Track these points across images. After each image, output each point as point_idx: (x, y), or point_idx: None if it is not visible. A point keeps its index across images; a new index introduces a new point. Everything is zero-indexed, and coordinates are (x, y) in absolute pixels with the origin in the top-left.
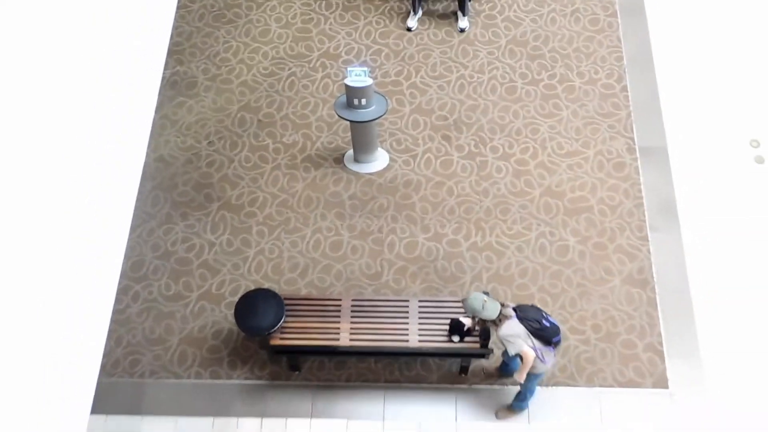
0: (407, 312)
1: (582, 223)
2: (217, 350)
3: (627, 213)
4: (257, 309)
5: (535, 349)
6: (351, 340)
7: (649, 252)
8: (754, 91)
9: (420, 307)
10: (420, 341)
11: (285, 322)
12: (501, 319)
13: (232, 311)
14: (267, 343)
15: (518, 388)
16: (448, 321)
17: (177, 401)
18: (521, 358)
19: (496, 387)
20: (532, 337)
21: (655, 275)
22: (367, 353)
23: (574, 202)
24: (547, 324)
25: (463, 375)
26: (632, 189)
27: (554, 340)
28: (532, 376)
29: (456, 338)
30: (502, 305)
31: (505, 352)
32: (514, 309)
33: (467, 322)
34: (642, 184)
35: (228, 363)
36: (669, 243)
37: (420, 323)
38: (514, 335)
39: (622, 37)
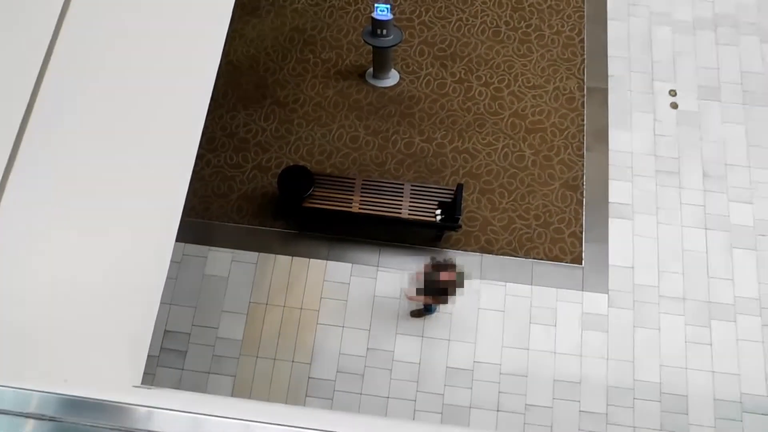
0: (402, 192)
1: (537, 139)
2: (263, 207)
3: (571, 135)
4: (294, 179)
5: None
6: (360, 208)
7: (583, 166)
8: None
9: (412, 189)
10: (409, 214)
11: (313, 191)
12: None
13: (276, 180)
14: (300, 205)
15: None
16: (433, 202)
17: (234, 239)
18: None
19: (460, 251)
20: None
21: (585, 183)
22: (371, 219)
23: (533, 123)
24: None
25: (437, 241)
26: (577, 118)
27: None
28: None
29: (439, 212)
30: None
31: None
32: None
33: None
34: (585, 115)
35: (271, 216)
36: (598, 160)
37: (411, 201)
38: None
39: (585, 1)
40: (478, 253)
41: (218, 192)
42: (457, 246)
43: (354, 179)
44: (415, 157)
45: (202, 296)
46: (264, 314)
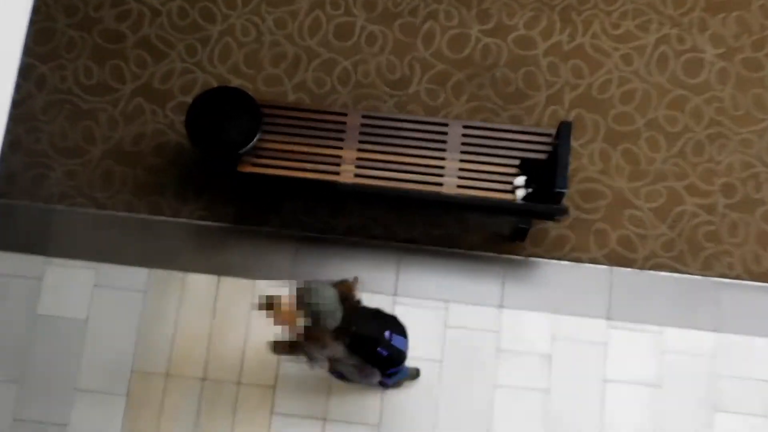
0: (444, 142)
1: (731, 25)
2: (159, 172)
3: None
4: (222, 117)
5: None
6: (357, 175)
7: None
8: None
9: (464, 136)
10: (459, 186)
11: (261, 139)
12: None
13: (183, 117)
14: (234, 169)
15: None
16: (510, 161)
17: (98, 240)
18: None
19: (565, 262)
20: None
21: None
22: (378, 197)
23: None
24: (384, 353)
25: (517, 242)
26: None
27: (391, 371)
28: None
29: (521, 183)
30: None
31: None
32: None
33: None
34: None
35: (174, 193)
36: None
37: (462, 160)
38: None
39: None
40: (601, 266)
41: (63, 145)
42: (557, 252)
43: (345, 116)
44: (472, 67)
45: (34, 359)
46: (162, 397)
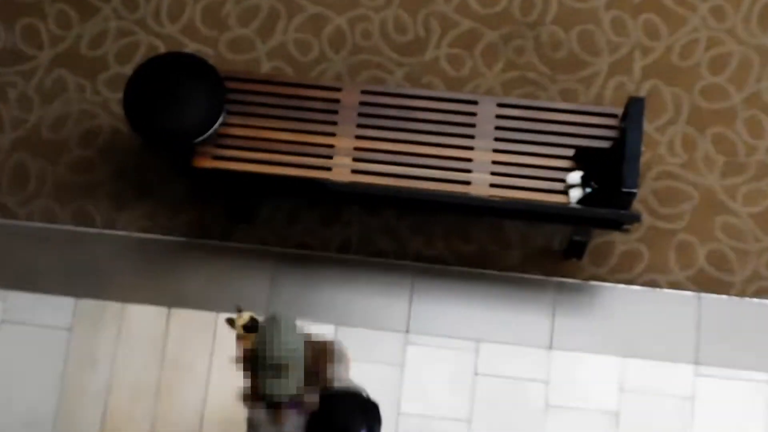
0: (473, 126)
1: None
2: (87, 169)
3: None
4: (172, 94)
5: None
6: (354, 171)
7: None
8: None
9: (499, 118)
10: (493, 185)
11: (225, 124)
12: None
13: (121, 95)
14: (188, 165)
15: None
16: (561, 150)
17: (7, 260)
18: None
19: (636, 287)
20: None
21: None
22: (383, 201)
23: None
24: None
25: (573, 260)
26: None
27: None
28: None
29: (576, 181)
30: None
31: None
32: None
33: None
34: None
35: (108, 197)
36: None
37: (496, 150)
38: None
39: None
40: (686, 292)
41: None
42: (626, 274)
43: (339, 91)
44: (510, 24)
45: None
46: None
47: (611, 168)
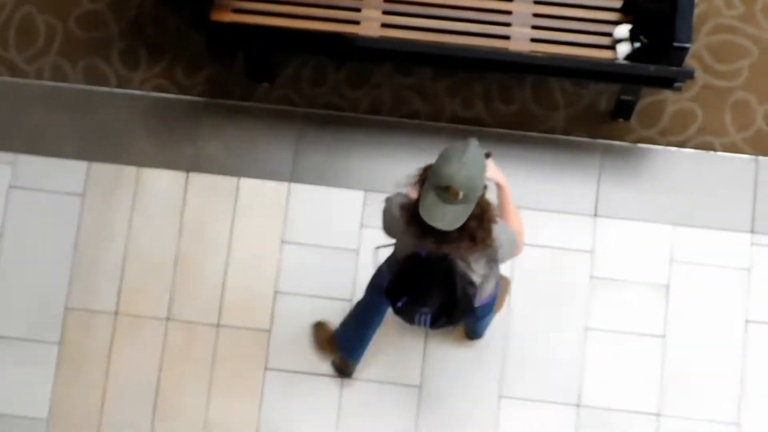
0: None
1: None
2: (99, 23)
3: None
4: None
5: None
6: (385, 25)
7: None
8: None
9: None
10: (534, 40)
11: None
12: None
13: None
14: (205, 18)
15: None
16: (608, 4)
17: (15, 121)
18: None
19: (688, 150)
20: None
21: None
22: (416, 58)
23: None
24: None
25: (621, 120)
26: None
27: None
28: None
29: (624, 34)
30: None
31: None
32: None
33: None
34: None
35: (122, 53)
36: None
37: (537, 2)
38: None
39: None
40: (743, 156)
41: None
42: (678, 135)
43: None
44: None
45: None
46: (108, 346)
47: (662, 20)
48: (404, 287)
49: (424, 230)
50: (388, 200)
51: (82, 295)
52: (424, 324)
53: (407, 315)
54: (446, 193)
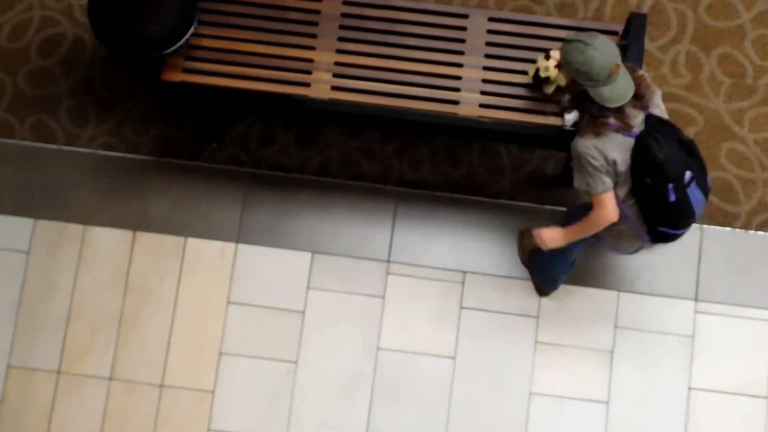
0: (462, 42)
1: None
2: (48, 81)
3: None
4: (141, 1)
5: (624, 212)
6: (335, 88)
7: None
8: None
9: (491, 33)
10: (483, 105)
11: (197, 34)
12: (598, 115)
13: (86, 1)
14: (156, 78)
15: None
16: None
17: None
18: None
19: None
20: (630, 191)
21: None
22: (365, 120)
23: None
24: (672, 198)
25: (567, 187)
26: None
27: (662, 229)
28: (564, 256)
29: (570, 112)
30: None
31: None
32: (648, 116)
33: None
34: None
35: (70, 110)
36: None
37: (487, 68)
38: (597, 160)
39: None
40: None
41: None
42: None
43: (318, 1)
44: None
45: None
46: (50, 404)
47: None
48: (670, 168)
49: (624, 111)
50: (575, 145)
51: (25, 352)
52: (702, 195)
53: (682, 194)
54: (610, 76)
